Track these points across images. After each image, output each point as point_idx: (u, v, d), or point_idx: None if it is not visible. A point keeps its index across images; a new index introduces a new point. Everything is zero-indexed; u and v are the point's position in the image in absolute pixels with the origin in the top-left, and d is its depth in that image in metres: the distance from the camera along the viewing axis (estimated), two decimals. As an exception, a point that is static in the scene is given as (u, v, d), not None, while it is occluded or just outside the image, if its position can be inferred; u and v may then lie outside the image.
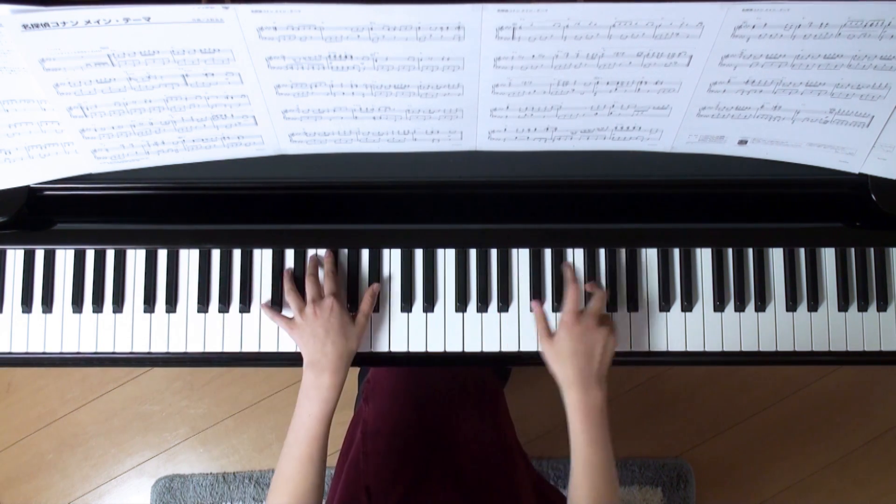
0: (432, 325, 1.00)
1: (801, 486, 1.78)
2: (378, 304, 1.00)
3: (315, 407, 0.89)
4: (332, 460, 1.68)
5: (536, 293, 0.99)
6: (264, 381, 1.77)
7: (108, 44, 0.77)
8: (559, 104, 0.86)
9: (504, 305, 0.99)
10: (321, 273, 0.98)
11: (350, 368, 0.94)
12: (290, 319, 0.96)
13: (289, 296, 0.97)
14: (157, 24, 0.75)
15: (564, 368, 0.91)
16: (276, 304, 1.00)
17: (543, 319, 0.96)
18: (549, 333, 0.94)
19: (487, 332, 1.00)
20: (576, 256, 1.00)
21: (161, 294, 1.00)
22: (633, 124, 0.90)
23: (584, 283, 0.99)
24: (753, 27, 0.76)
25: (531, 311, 0.99)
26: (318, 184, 0.95)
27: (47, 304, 0.99)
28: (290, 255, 1.00)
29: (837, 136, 0.89)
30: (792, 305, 0.99)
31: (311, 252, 1.00)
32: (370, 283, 0.99)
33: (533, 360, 0.99)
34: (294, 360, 1.00)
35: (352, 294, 1.00)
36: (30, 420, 1.79)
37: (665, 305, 1.00)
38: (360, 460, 1.05)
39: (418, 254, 1.00)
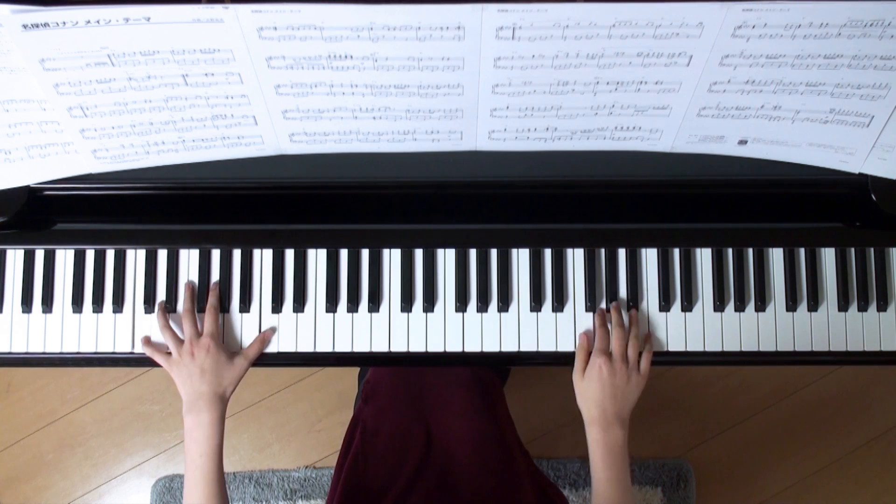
0: (432, 325, 1.00)
1: (801, 486, 1.78)
2: (378, 304, 1.00)
3: (203, 445, 0.90)
4: (332, 460, 1.68)
5: (536, 293, 0.99)
6: (264, 381, 1.77)
7: (108, 44, 0.77)
8: (559, 104, 0.86)
9: (504, 305, 0.99)
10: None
11: (350, 368, 0.94)
12: (168, 356, 0.96)
13: (164, 333, 0.96)
14: (157, 24, 0.75)
15: (589, 407, 0.93)
16: (277, 304, 1.00)
17: (584, 354, 0.97)
18: (584, 369, 0.96)
19: (487, 332, 1.00)
20: (576, 256, 1.00)
21: (161, 294, 1.00)
22: (633, 124, 0.90)
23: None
24: (753, 27, 0.76)
25: (578, 332, 0.99)
26: (318, 184, 0.95)
27: (47, 304, 0.99)
28: (290, 255, 1.00)
29: (837, 136, 0.89)
30: (792, 305, 0.99)
31: (182, 281, 1.00)
32: (370, 284, 0.99)
33: (533, 360, 1.00)
34: (294, 360, 1.00)
35: (352, 293, 1.00)
36: (30, 420, 1.79)
37: (665, 305, 1.00)
38: (359, 460, 1.05)
39: (418, 254, 1.00)
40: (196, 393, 0.92)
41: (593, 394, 0.93)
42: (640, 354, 0.96)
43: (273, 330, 0.99)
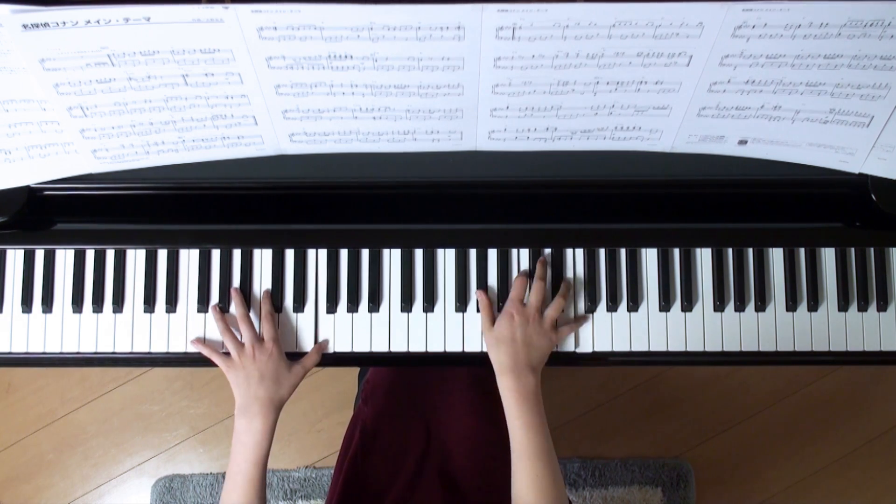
0: (432, 325, 1.00)
1: (801, 486, 1.78)
2: (378, 304, 1.00)
3: (250, 452, 0.90)
4: (332, 460, 1.68)
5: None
6: (264, 381, 1.77)
7: (108, 44, 0.77)
8: (559, 104, 0.86)
9: (504, 305, 0.99)
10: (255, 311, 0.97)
11: (350, 368, 0.94)
12: (229, 358, 0.95)
13: (225, 336, 0.96)
14: (157, 24, 0.75)
15: (499, 355, 0.93)
16: (277, 305, 0.99)
17: (488, 308, 0.97)
18: (490, 321, 0.96)
19: (487, 332, 0.99)
20: (576, 256, 1.00)
21: (161, 294, 1.00)
22: (633, 124, 0.90)
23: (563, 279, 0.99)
24: (753, 27, 0.76)
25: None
26: (318, 184, 0.95)
27: (47, 304, 0.99)
28: (289, 255, 1.00)
29: (837, 136, 0.89)
30: (792, 305, 0.99)
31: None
32: (370, 284, 0.99)
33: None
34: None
35: (352, 293, 1.00)
36: (30, 420, 1.79)
37: (665, 305, 1.00)
38: (358, 460, 1.05)
39: (418, 254, 1.00)
40: (252, 397, 0.91)
41: (504, 341, 0.92)
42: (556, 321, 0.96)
43: (328, 341, 0.99)
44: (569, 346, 0.99)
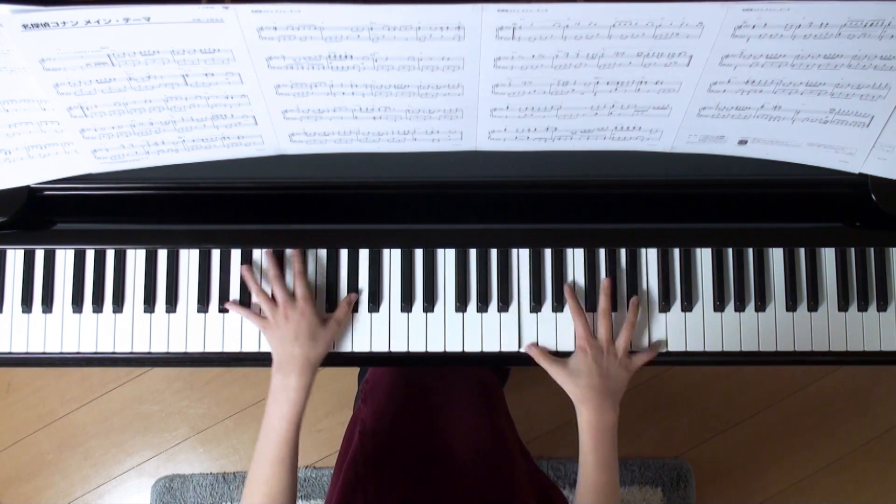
0: (432, 325, 1.00)
1: (801, 485, 1.78)
2: (378, 304, 1.00)
3: (284, 409, 0.90)
4: (332, 460, 1.68)
5: (536, 293, 0.99)
6: (264, 381, 1.76)
7: (108, 44, 0.77)
8: (559, 104, 0.86)
9: (504, 305, 0.99)
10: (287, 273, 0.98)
11: (349, 368, 0.94)
12: (265, 318, 0.96)
13: (259, 297, 0.97)
14: (157, 24, 0.75)
15: (578, 384, 0.92)
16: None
17: (543, 355, 0.97)
18: (555, 360, 0.96)
19: (487, 332, 1.00)
20: (576, 256, 1.00)
21: (161, 294, 1.00)
22: (633, 124, 0.90)
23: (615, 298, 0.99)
24: (753, 27, 0.76)
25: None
26: (318, 184, 0.95)
27: (47, 304, 0.99)
28: (289, 255, 1.00)
29: (837, 136, 0.89)
30: (792, 305, 0.99)
31: (257, 252, 1.00)
32: (370, 284, 0.99)
33: (533, 361, 0.99)
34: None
35: (352, 293, 1.00)
36: (30, 420, 1.79)
37: (665, 305, 1.00)
38: (357, 460, 1.05)
39: (418, 254, 1.00)
40: (288, 354, 0.92)
41: (582, 373, 0.92)
42: (630, 346, 0.96)
43: (357, 294, 0.99)
44: (569, 346, 0.99)
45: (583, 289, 1.00)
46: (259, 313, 0.97)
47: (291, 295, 0.96)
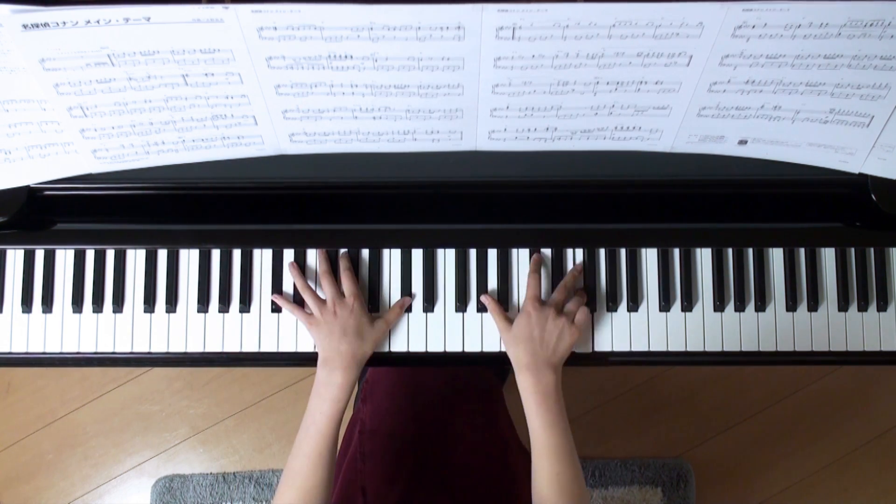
0: (432, 325, 1.00)
1: (801, 486, 1.78)
2: (378, 305, 1.00)
3: (325, 405, 0.89)
4: (332, 460, 1.68)
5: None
6: (264, 381, 1.77)
7: (108, 44, 0.77)
8: (559, 104, 0.86)
9: (504, 306, 0.99)
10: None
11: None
12: (311, 315, 0.96)
13: (305, 293, 0.97)
14: (157, 24, 0.75)
15: (518, 352, 0.92)
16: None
17: (498, 311, 0.97)
18: (505, 320, 0.96)
19: (487, 332, 1.00)
20: (576, 256, 1.00)
21: (161, 294, 1.00)
22: (633, 124, 0.90)
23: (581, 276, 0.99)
24: (753, 27, 0.76)
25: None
26: (318, 184, 0.95)
27: (47, 304, 0.99)
28: (289, 255, 1.00)
29: (837, 136, 0.89)
30: (792, 305, 0.99)
31: (311, 252, 1.00)
32: (371, 284, 0.99)
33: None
34: (294, 360, 1.00)
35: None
36: (30, 420, 1.79)
37: (665, 305, 1.00)
38: (357, 460, 1.05)
39: (418, 254, 1.00)
40: (334, 350, 0.92)
41: (523, 339, 0.92)
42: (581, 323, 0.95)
43: (411, 297, 0.99)
44: (569, 346, 0.99)
45: (582, 288, 1.00)
46: (304, 309, 0.97)
47: (341, 293, 0.96)
